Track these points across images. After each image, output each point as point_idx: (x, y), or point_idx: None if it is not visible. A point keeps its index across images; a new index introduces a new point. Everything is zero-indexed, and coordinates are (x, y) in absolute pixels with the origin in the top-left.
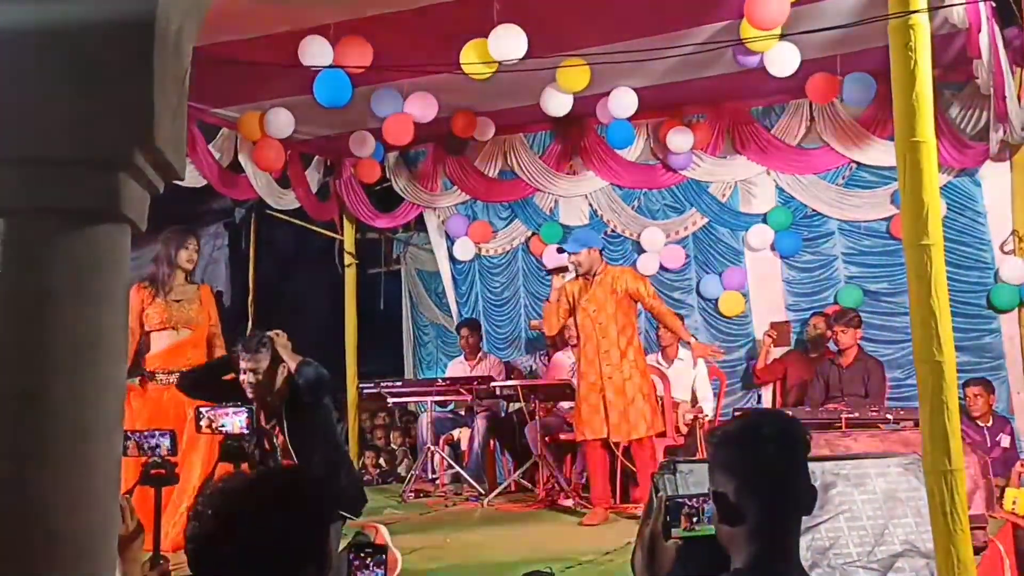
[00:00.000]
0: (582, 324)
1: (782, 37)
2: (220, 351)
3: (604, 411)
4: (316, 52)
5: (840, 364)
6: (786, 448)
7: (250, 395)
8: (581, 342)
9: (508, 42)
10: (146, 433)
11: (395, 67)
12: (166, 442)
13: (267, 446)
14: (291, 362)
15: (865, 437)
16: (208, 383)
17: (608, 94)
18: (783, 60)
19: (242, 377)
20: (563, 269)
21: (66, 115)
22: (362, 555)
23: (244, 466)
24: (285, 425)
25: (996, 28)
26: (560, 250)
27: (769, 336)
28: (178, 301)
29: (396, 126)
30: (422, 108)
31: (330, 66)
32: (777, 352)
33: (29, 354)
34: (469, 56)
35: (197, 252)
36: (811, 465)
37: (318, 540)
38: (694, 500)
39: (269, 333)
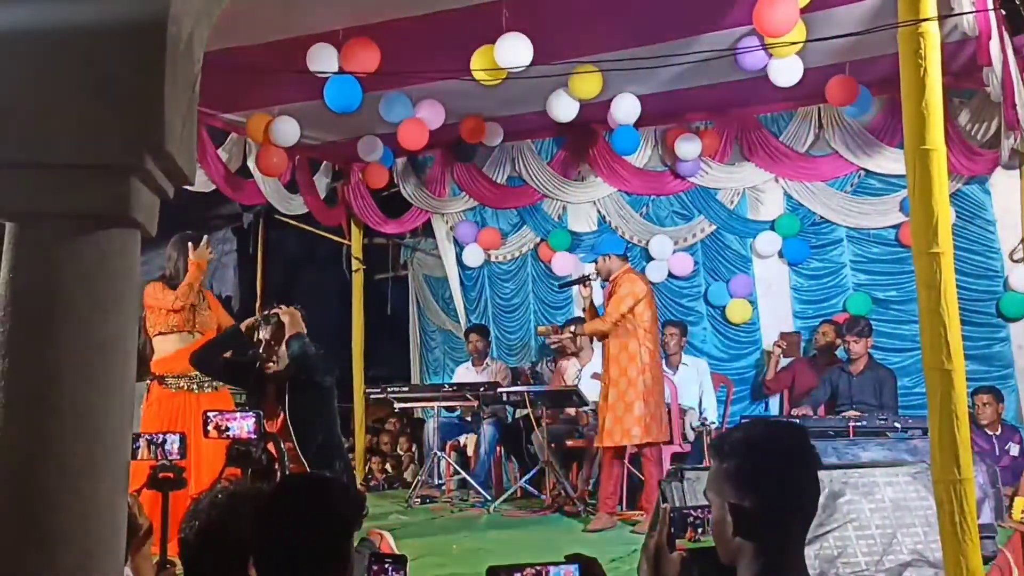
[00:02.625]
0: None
1: (794, 44)
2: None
3: (612, 415)
4: (324, 58)
5: (850, 372)
6: (798, 459)
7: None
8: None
9: (514, 50)
10: (156, 434)
11: (404, 73)
12: (176, 443)
13: (275, 451)
14: (288, 333)
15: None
16: (215, 358)
17: None
18: (786, 70)
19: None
20: (580, 280)
21: (77, 120)
22: (383, 564)
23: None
24: (287, 403)
25: (1006, 36)
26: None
27: (779, 347)
28: (194, 305)
29: (410, 131)
30: (430, 115)
31: (339, 72)
32: (785, 361)
33: (39, 357)
34: (479, 63)
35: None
36: (819, 474)
37: (342, 546)
38: (699, 511)
39: (276, 310)
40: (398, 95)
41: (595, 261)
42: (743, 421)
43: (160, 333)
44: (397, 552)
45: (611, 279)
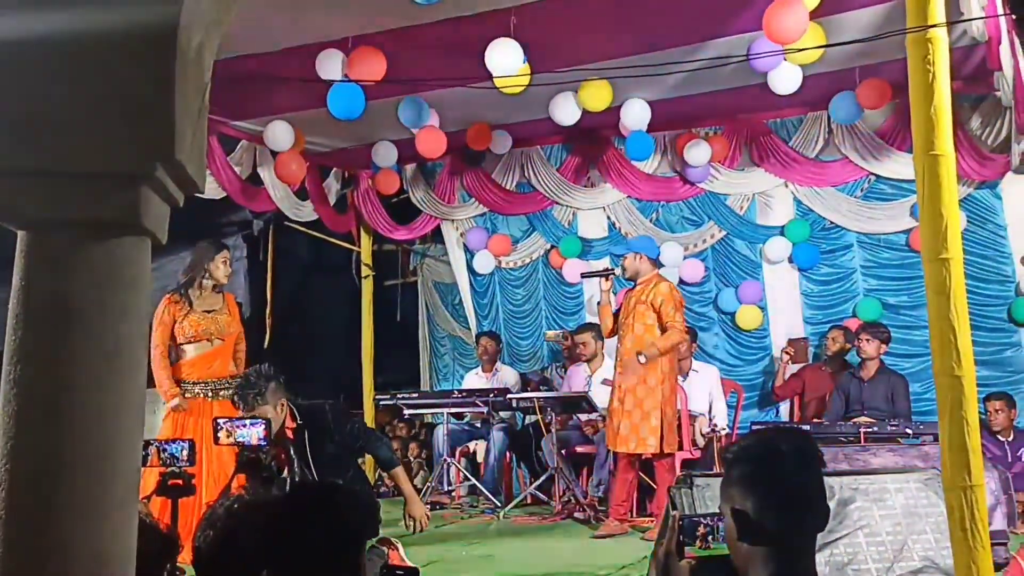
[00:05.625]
0: (620, 330)
1: (805, 50)
2: (242, 359)
3: (628, 422)
4: (332, 65)
5: (861, 377)
6: (803, 464)
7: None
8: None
9: (503, 56)
10: (166, 441)
11: (413, 80)
12: (185, 450)
13: (283, 457)
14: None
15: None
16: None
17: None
18: (785, 78)
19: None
20: (603, 273)
21: (88, 129)
22: None
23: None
24: (309, 456)
25: (1016, 40)
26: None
27: (787, 353)
28: (209, 312)
29: (428, 139)
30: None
31: (346, 79)
32: (794, 367)
33: (50, 365)
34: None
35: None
36: (829, 480)
37: (352, 555)
38: (709, 519)
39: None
40: (418, 100)
41: (622, 256)
42: (753, 428)
43: (180, 344)
44: (407, 560)
45: (640, 281)
